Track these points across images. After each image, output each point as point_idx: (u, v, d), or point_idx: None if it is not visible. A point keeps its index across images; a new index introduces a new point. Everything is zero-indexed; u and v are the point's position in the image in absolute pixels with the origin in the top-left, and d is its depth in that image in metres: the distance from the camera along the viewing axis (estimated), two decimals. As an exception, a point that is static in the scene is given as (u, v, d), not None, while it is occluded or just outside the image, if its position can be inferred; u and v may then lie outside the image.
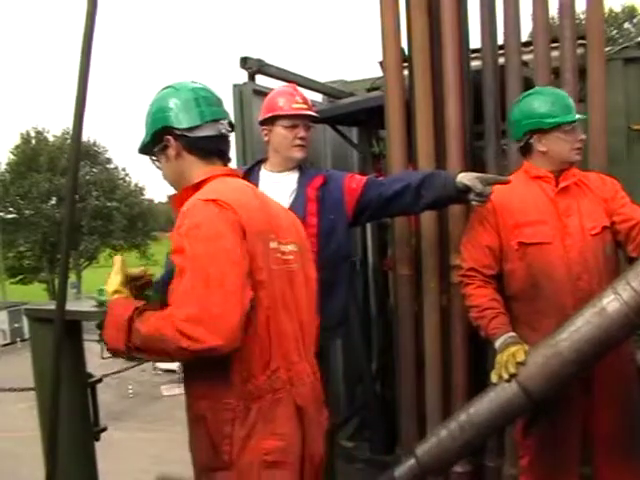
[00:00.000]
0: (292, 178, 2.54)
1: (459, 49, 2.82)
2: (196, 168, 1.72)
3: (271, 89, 3.71)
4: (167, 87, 1.78)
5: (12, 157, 31.60)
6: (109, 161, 34.12)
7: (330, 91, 4.35)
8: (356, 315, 4.11)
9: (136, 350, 1.56)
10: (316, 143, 4.28)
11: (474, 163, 3.00)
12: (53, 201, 30.69)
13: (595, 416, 2.22)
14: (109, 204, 31.90)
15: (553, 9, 2.83)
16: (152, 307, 1.60)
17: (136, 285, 1.75)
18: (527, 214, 2.22)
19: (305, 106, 2.55)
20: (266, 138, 2.60)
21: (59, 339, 1.64)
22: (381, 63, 3.07)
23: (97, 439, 2.07)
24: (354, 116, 3.89)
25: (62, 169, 29.05)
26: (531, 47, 2.89)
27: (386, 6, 2.92)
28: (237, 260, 1.51)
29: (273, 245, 1.66)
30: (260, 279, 1.58)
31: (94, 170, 32.56)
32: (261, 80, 3.56)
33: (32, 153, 30.97)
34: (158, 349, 1.52)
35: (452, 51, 2.79)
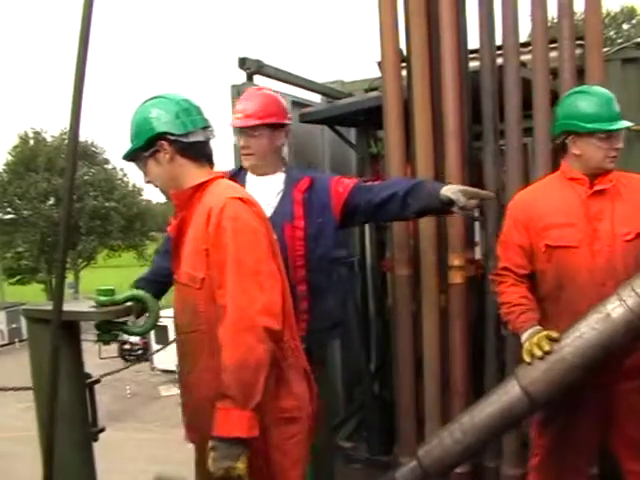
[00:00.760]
0: (278, 179, 2.51)
1: (457, 49, 2.82)
2: (189, 171, 1.87)
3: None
4: (155, 97, 1.91)
5: (10, 158, 31.57)
6: (107, 161, 34.19)
7: (328, 91, 4.35)
8: (354, 315, 4.12)
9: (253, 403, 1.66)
10: (314, 144, 4.28)
11: (472, 163, 3.00)
12: (51, 201, 30.67)
13: (617, 424, 2.20)
14: (107, 204, 31.90)
15: (552, 9, 2.84)
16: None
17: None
18: (556, 216, 2.18)
19: (240, 116, 2.47)
20: None
21: (56, 339, 1.64)
22: (379, 63, 3.07)
23: (95, 439, 2.06)
24: (352, 117, 3.89)
25: (60, 169, 29.03)
26: (530, 47, 2.89)
27: (384, 6, 2.91)
28: (270, 249, 1.79)
29: (275, 236, 1.91)
30: (278, 262, 1.84)
31: (92, 171, 32.56)
32: (259, 81, 3.56)
33: (30, 153, 30.95)
34: (252, 364, 1.65)
35: (450, 51, 2.79)
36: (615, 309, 1.92)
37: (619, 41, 4.41)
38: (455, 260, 2.85)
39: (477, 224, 3.37)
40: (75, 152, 1.66)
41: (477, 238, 3.33)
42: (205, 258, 1.76)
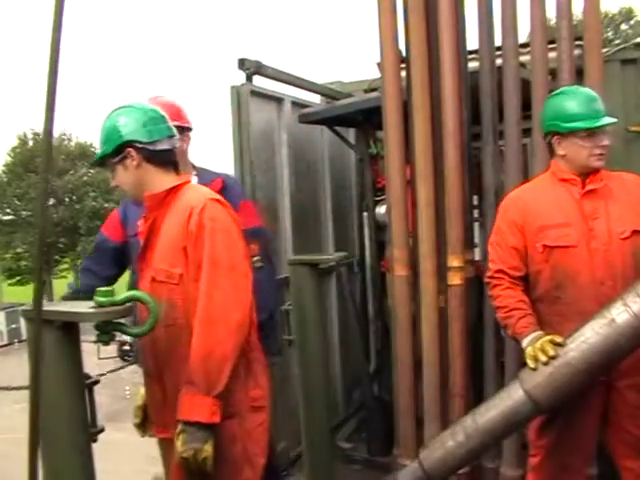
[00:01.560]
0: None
1: (456, 50, 2.82)
2: (156, 177, 1.97)
3: (269, 90, 3.73)
4: (124, 106, 2.01)
5: (9, 159, 31.54)
6: (106, 162, 34.04)
7: (328, 92, 4.35)
8: (354, 316, 4.12)
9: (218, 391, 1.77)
10: (314, 144, 4.29)
11: (471, 164, 3.00)
12: (50, 202, 30.65)
13: (614, 421, 2.21)
14: (106, 205, 31.81)
15: (550, 10, 2.84)
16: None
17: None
18: (552, 216, 2.18)
19: None
20: None
21: (38, 337, 1.68)
22: (379, 64, 3.07)
23: (95, 440, 2.06)
24: (352, 117, 3.89)
25: (58, 170, 29.03)
26: (528, 48, 2.89)
27: (384, 7, 2.92)
28: (244, 249, 1.90)
29: None
30: (249, 263, 1.95)
31: (91, 171, 32.52)
32: (259, 81, 3.56)
33: (29, 154, 30.89)
34: (218, 355, 1.76)
35: (449, 52, 2.80)
36: (620, 314, 1.92)
37: (617, 42, 4.41)
38: (454, 261, 2.85)
39: (477, 225, 3.37)
40: (50, 157, 1.68)
41: (476, 239, 3.33)
42: (183, 255, 1.86)
